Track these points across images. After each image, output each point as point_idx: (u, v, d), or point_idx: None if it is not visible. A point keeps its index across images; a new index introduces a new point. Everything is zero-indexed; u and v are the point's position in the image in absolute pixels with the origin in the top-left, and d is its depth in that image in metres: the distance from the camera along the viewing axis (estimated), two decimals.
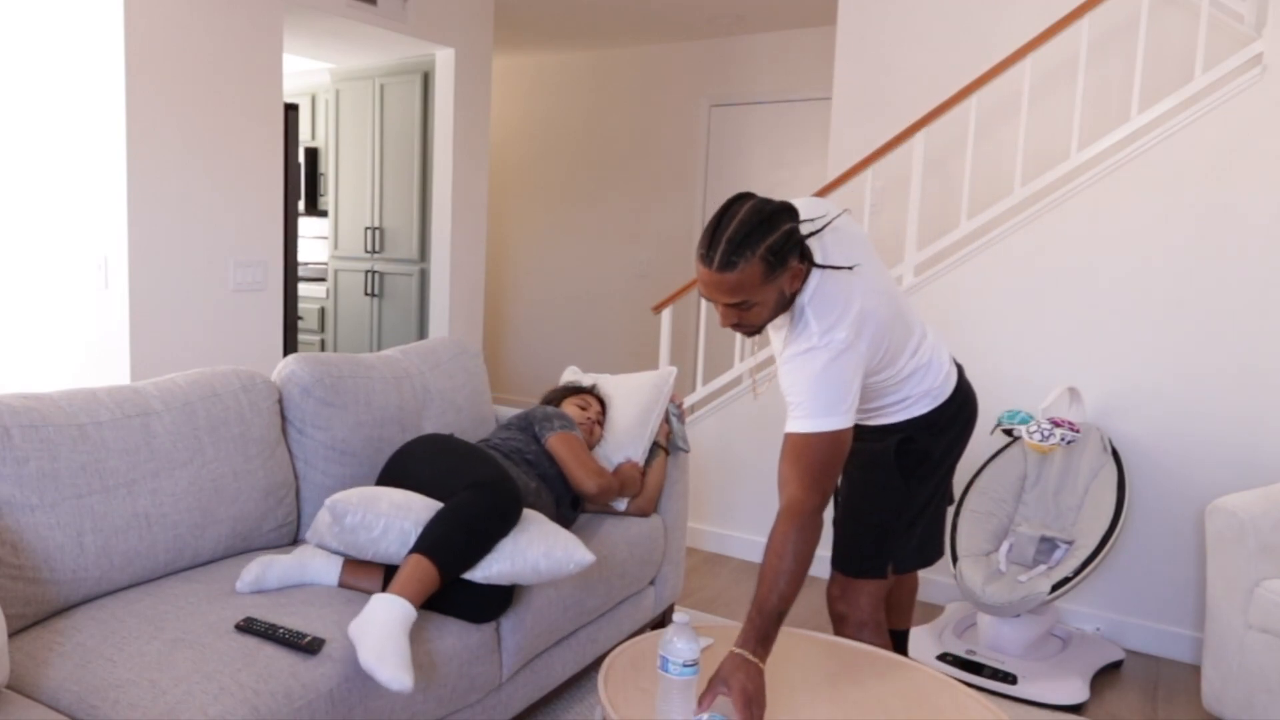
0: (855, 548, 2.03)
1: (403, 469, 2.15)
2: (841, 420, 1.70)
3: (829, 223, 1.79)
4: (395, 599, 1.70)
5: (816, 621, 3.14)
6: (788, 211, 1.70)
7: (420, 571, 1.78)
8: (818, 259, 1.77)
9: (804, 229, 1.72)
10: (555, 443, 2.39)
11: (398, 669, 1.58)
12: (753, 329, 1.79)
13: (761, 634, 1.61)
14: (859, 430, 2.00)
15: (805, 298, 1.76)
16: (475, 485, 1.92)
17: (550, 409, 2.52)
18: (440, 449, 2.16)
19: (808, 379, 1.71)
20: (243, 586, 1.80)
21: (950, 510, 3.27)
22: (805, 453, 1.70)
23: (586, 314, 6.55)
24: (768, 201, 1.69)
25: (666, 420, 2.79)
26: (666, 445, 2.76)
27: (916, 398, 1.97)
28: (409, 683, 1.58)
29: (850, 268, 1.79)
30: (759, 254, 1.63)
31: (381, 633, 1.63)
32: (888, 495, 2.00)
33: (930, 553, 2.11)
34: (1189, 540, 2.92)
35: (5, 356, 3.64)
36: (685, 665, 1.56)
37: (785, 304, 1.77)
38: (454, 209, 4.77)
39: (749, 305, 1.71)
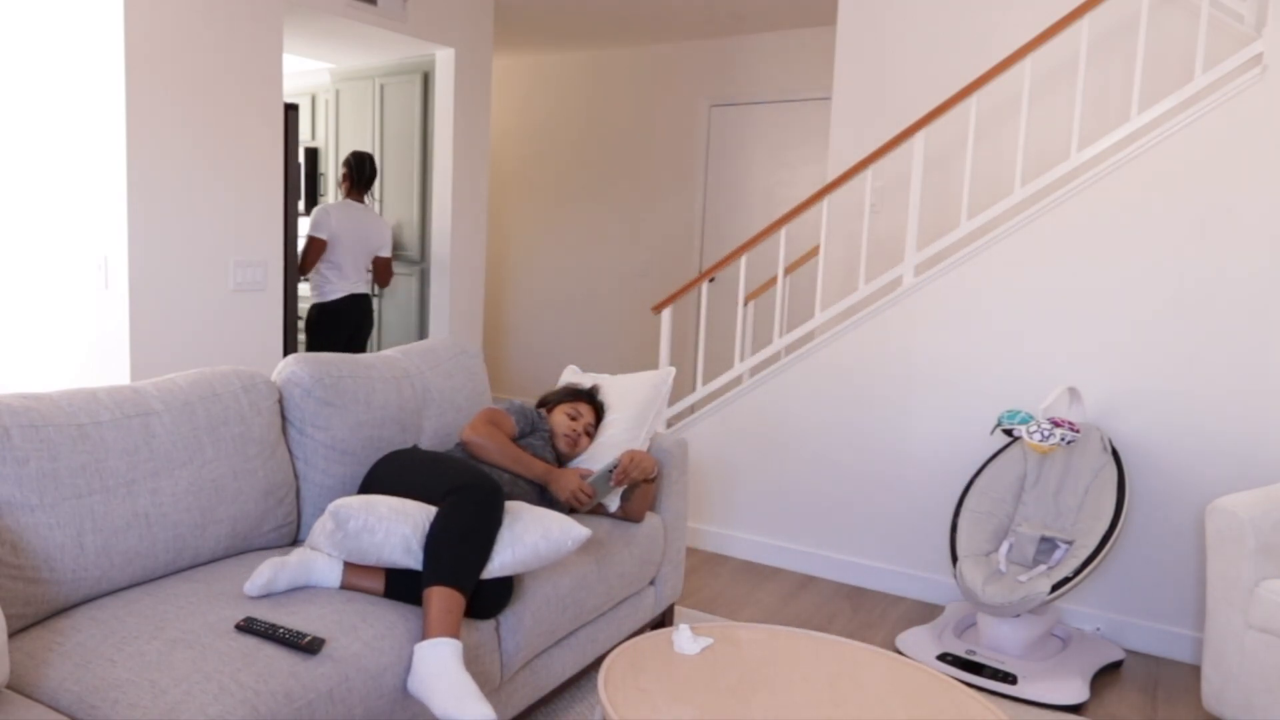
0: None
1: (376, 492, 2.12)
2: (317, 233, 4.12)
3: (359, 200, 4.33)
4: (439, 641, 1.73)
5: (816, 621, 3.14)
6: (351, 162, 4.27)
7: (445, 602, 1.79)
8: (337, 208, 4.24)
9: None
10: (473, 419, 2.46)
11: (477, 705, 1.65)
12: None
13: None
14: None
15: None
16: (453, 490, 1.93)
17: (509, 404, 2.59)
18: (407, 464, 2.16)
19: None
20: (252, 590, 1.79)
21: (951, 512, 3.28)
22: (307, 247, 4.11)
23: (586, 314, 6.55)
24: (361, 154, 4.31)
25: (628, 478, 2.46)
26: (644, 478, 2.53)
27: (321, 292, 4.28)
28: (492, 713, 1.65)
29: (339, 202, 4.24)
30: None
31: (446, 679, 1.68)
32: None
33: None
34: (1189, 540, 2.92)
35: (5, 356, 3.64)
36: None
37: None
38: (454, 209, 4.77)
39: None
